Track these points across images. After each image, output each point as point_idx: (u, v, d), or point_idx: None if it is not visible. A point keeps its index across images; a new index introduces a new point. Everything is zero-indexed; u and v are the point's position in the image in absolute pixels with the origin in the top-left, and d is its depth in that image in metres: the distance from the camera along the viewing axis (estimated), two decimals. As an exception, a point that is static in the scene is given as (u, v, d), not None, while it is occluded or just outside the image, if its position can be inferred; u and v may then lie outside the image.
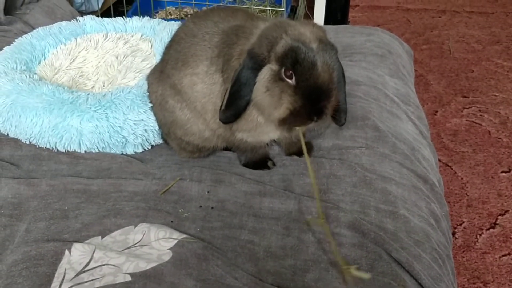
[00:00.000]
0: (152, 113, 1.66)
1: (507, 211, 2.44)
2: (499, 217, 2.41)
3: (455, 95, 3.39)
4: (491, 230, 2.34)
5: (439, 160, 2.62)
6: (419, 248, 1.33)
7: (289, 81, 1.28)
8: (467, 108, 3.25)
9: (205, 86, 1.47)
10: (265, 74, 1.31)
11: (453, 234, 2.31)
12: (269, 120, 1.37)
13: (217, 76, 1.44)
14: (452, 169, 2.71)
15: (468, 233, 2.33)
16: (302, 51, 1.26)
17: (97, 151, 1.65)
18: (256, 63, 1.31)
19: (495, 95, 3.40)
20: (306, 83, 1.27)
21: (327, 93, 1.28)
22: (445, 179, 2.58)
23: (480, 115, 3.19)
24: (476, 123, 3.11)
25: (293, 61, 1.26)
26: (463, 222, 2.38)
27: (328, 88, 1.28)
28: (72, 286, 1.15)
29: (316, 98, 1.27)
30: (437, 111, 3.22)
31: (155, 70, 1.68)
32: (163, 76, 1.58)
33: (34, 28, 2.22)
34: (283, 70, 1.28)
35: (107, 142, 1.63)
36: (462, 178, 2.65)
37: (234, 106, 1.36)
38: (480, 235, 2.31)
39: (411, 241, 1.34)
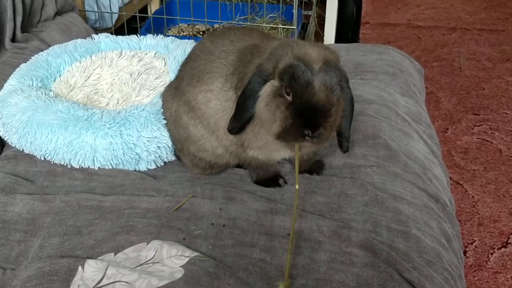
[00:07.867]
0: (165, 130, 1.68)
1: (519, 230, 2.43)
2: (511, 236, 2.39)
3: (465, 113, 3.39)
4: (503, 249, 2.33)
5: (450, 178, 2.61)
6: (431, 268, 1.33)
7: (287, 97, 1.29)
8: (478, 126, 3.25)
9: (218, 103, 1.49)
10: (267, 89, 1.34)
11: (464, 253, 2.29)
12: (269, 135, 1.38)
13: (231, 93, 1.46)
14: (463, 187, 2.71)
15: (480, 252, 2.31)
16: (300, 69, 1.27)
17: (110, 167, 1.66)
18: (261, 78, 1.34)
19: (506, 112, 3.39)
20: (300, 100, 1.27)
21: (323, 112, 1.27)
22: (456, 197, 2.57)
23: (491, 132, 3.18)
24: (487, 141, 3.10)
25: (290, 78, 1.28)
26: (474, 241, 2.37)
27: (323, 107, 1.27)
28: (85, 303, 1.16)
29: (309, 115, 1.27)
30: (447, 129, 3.21)
31: (170, 87, 1.71)
32: (178, 93, 1.60)
33: (50, 46, 2.24)
34: (284, 86, 1.30)
35: (120, 158, 1.65)
36: (473, 196, 2.64)
37: (239, 117, 1.39)
38: (492, 254, 2.30)
39: (423, 261, 1.34)
